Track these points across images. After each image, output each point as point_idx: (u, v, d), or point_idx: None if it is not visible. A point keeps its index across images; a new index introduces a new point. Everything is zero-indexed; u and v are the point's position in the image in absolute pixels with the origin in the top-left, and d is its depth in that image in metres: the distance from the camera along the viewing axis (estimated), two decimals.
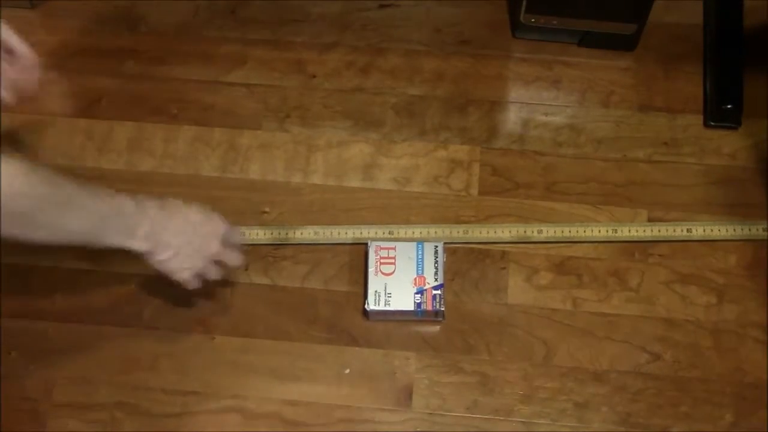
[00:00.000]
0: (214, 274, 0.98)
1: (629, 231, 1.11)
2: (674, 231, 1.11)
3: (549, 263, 1.11)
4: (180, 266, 0.93)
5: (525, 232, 1.12)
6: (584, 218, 1.13)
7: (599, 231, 1.11)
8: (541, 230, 1.12)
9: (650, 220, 1.13)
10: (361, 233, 1.12)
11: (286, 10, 1.28)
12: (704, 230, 1.11)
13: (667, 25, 1.25)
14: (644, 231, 1.11)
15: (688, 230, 1.11)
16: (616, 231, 1.11)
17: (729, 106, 1.18)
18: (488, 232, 1.12)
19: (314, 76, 1.24)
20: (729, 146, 1.17)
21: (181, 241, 0.92)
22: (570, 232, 1.12)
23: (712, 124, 1.19)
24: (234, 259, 0.99)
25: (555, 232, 1.12)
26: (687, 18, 1.26)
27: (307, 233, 1.12)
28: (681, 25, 1.26)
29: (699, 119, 1.19)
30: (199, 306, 1.09)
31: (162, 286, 1.09)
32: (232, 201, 1.15)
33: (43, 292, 1.10)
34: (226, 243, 0.97)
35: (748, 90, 1.19)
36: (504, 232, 1.12)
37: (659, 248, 1.11)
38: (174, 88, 1.23)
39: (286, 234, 1.11)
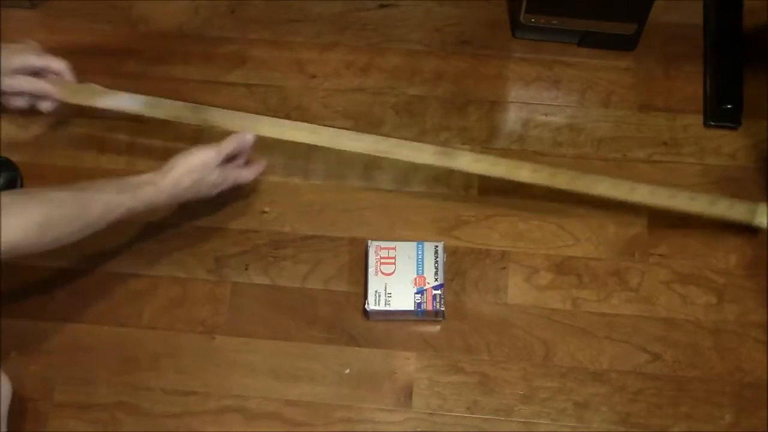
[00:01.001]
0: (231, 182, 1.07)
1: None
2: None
3: (549, 263, 1.11)
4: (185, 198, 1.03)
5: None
6: (584, 218, 1.13)
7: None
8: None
9: (651, 220, 1.12)
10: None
11: (286, 10, 1.28)
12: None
13: (667, 25, 1.25)
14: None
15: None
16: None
17: (729, 106, 1.18)
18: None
19: (314, 76, 1.24)
20: (729, 146, 1.17)
21: (181, 191, 1.01)
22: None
23: (712, 123, 1.19)
24: (244, 176, 1.07)
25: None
26: (687, 18, 1.26)
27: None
28: (681, 25, 1.26)
29: (699, 119, 1.19)
30: (199, 306, 1.09)
31: (162, 286, 1.10)
32: (232, 201, 1.15)
33: (43, 292, 1.10)
34: (234, 164, 1.06)
35: (747, 90, 1.19)
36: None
37: (659, 248, 1.11)
38: (174, 88, 1.22)
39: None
